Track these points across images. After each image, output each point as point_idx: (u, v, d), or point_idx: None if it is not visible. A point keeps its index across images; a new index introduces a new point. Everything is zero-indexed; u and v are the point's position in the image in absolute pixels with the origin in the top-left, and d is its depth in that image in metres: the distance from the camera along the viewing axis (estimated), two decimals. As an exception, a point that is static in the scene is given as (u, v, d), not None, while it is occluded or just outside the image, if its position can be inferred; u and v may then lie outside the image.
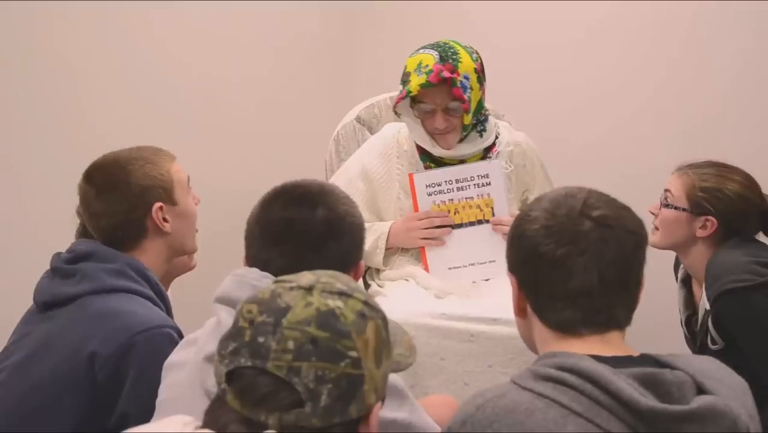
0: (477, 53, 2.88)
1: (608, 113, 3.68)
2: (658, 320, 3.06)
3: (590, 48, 3.70)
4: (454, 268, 2.93)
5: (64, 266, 2.26)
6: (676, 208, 2.57)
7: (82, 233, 2.40)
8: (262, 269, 1.80)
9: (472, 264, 2.93)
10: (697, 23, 3.47)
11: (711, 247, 2.55)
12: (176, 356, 1.89)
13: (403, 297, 2.82)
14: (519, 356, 2.61)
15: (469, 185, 2.91)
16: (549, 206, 1.59)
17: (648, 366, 1.50)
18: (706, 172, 2.56)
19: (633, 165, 3.60)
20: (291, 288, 1.36)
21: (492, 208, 2.92)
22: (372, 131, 3.20)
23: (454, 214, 2.94)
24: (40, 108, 3.27)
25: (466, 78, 2.81)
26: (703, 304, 2.49)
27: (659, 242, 2.63)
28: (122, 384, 2.09)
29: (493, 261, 2.90)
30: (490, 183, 2.90)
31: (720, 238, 2.53)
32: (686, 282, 2.70)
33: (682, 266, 2.72)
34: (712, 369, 1.53)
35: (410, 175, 2.91)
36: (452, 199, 2.92)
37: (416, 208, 2.92)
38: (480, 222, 2.94)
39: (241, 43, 3.84)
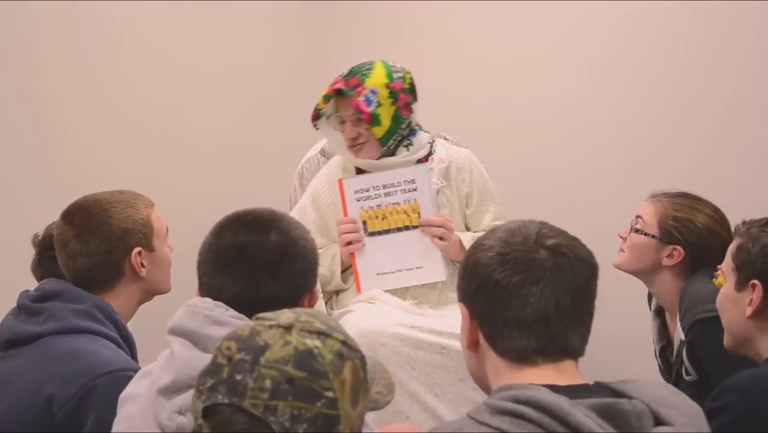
0: (406, 75, 3.03)
1: (581, 143, 3.76)
2: (632, 351, 3.08)
3: (564, 71, 3.80)
4: (383, 274, 3.01)
5: (31, 304, 2.28)
6: (646, 234, 2.64)
7: (38, 263, 2.42)
8: (216, 296, 1.81)
9: (399, 270, 3.01)
10: (677, 47, 3.56)
11: (676, 277, 2.61)
12: (131, 388, 1.90)
13: (373, 310, 2.90)
14: None
15: (396, 191, 3.00)
16: (503, 235, 1.61)
17: (604, 395, 1.51)
18: (679, 202, 2.63)
19: (603, 192, 3.67)
20: (270, 326, 1.39)
21: (419, 213, 2.99)
22: (335, 164, 3.31)
23: (382, 219, 3.01)
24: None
25: (373, 92, 2.97)
26: (678, 334, 2.53)
27: (624, 264, 2.70)
28: (81, 427, 2.09)
29: (420, 267, 3.00)
30: (416, 188, 2.98)
31: (685, 268, 2.60)
32: (659, 313, 2.74)
33: None
34: (666, 396, 1.54)
35: (340, 181, 3.00)
36: (380, 205, 3.00)
37: (345, 214, 3.00)
38: (407, 228, 3.00)
39: (209, 75, 3.92)
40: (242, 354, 1.37)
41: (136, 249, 2.30)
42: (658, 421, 1.50)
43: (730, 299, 2.12)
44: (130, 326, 2.35)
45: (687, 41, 3.52)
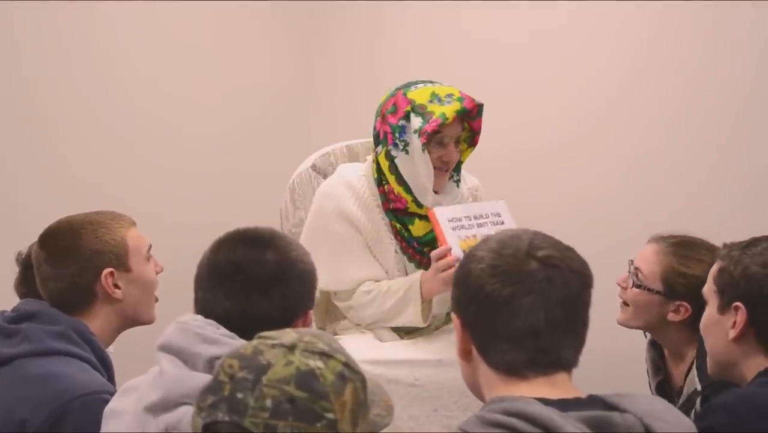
0: None
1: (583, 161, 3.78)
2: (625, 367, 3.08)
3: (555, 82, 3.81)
4: None
5: (6, 325, 2.28)
6: (649, 290, 2.58)
7: (22, 282, 2.43)
8: (208, 311, 1.84)
9: None
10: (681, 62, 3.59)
11: (681, 330, 2.56)
12: (116, 403, 1.91)
13: (350, 345, 2.83)
14: (462, 398, 2.67)
15: (486, 222, 2.87)
16: (495, 246, 1.62)
17: (596, 408, 1.53)
18: (685, 254, 2.57)
19: (612, 213, 3.66)
20: (273, 345, 1.42)
21: None
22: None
23: None
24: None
25: None
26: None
27: (630, 321, 2.65)
28: None
29: None
30: (503, 222, 2.89)
31: (692, 321, 2.51)
32: (656, 344, 2.71)
33: None
34: (659, 410, 1.56)
35: (431, 212, 2.86)
36: (475, 235, 2.83)
37: (443, 242, 2.83)
38: None
39: (197, 91, 3.94)
40: (244, 372, 1.40)
41: (107, 270, 2.29)
42: None
43: (713, 323, 2.12)
44: (116, 345, 2.34)
45: (699, 60, 3.54)
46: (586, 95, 3.75)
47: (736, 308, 2.06)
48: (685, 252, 2.58)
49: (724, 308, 2.09)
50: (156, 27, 3.79)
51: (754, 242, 2.12)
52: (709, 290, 2.15)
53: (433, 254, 2.85)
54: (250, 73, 4.13)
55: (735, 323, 2.06)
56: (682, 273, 2.54)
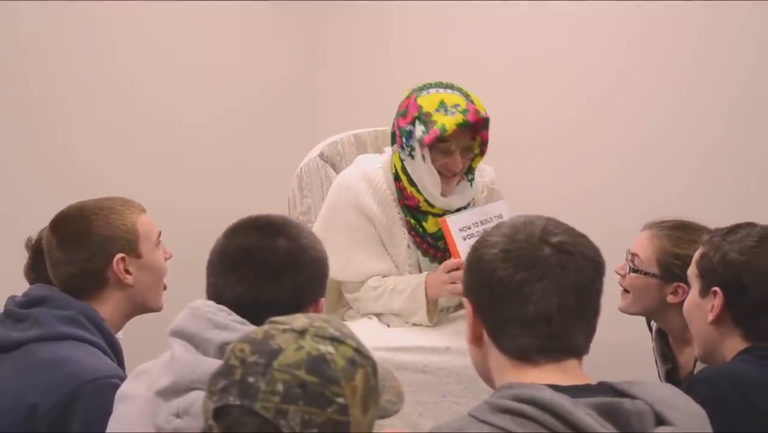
0: None
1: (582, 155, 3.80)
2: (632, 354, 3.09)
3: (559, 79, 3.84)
4: None
5: (16, 310, 2.29)
6: (645, 273, 2.61)
7: (31, 267, 2.45)
8: (220, 296, 1.85)
9: None
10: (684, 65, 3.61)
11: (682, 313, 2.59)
12: (128, 386, 1.93)
13: (357, 330, 2.85)
14: (471, 385, 2.68)
15: (490, 225, 2.86)
16: (508, 232, 1.62)
17: (607, 395, 1.53)
18: (677, 236, 2.60)
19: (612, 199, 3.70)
20: (284, 330, 1.43)
21: None
22: (335, 168, 3.22)
23: None
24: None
25: (486, 120, 2.87)
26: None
27: (631, 307, 2.68)
28: None
29: None
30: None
31: None
32: (662, 333, 2.73)
33: None
34: (670, 397, 1.58)
35: (442, 220, 2.89)
36: None
37: (456, 254, 2.84)
38: None
39: (205, 79, 3.97)
40: (255, 357, 1.40)
41: (118, 256, 2.31)
42: (661, 421, 1.52)
43: (695, 306, 2.18)
44: (127, 331, 2.35)
45: (695, 51, 3.57)
46: (584, 88, 3.78)
47: (714, 293, 2.12)
48: (678, 234, 2.61)
49: (704, 292, 2.15)
50: (162, 15, 3.81)
51: (734, 228, 2.18)
52: (692, 273, 2.20)
53: (444, 265, 2.86)
54: (258, 64, 4.16)
55: (713, 306, 2.12)
56: (677, 254, 2.57)
